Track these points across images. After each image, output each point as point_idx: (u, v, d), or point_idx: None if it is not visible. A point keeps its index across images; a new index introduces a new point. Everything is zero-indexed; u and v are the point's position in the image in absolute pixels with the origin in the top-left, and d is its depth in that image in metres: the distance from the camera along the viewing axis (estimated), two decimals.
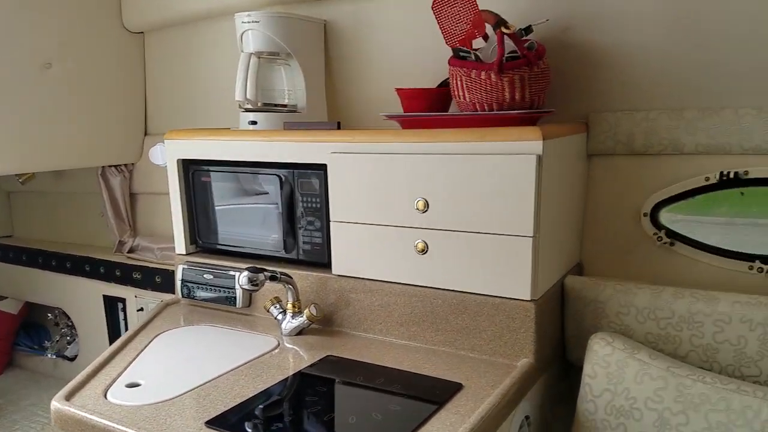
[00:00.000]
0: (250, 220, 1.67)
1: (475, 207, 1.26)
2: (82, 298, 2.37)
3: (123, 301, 2.25)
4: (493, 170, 1.22)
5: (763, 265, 1.31)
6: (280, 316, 1.52)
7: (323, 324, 1.53)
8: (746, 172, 1.31)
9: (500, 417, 1.10)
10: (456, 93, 1.35)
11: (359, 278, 1.47)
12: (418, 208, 1.34)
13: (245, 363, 1.33)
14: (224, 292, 1.67)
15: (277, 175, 1.59)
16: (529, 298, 1.24)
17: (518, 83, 1.26)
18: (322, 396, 1.17)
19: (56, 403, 1.17)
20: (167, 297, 2.11)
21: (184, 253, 1.79)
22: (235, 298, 1.65)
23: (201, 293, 1.71)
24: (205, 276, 1.70)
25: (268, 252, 1.65)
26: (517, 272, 1.24)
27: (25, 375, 2.57)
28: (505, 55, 1.28)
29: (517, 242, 1.23)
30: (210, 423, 1.07)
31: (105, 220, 2.44)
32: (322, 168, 1.50)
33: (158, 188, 2.37)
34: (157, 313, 1.69)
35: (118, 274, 2.25)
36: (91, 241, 2.63)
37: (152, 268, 2.15)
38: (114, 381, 1.25)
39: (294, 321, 1.50)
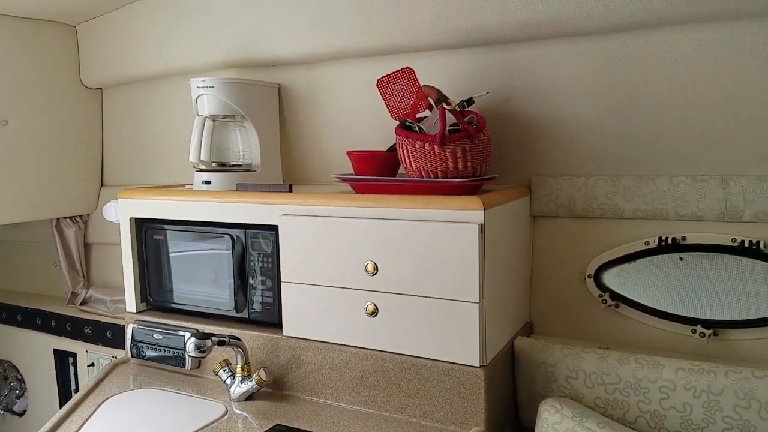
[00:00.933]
0: (202, 279, 1.65)
1: (422, 271, 1.27)
2: (32, 352, 2.30)
3: (74, 355, 2.18)
4: (438, 236, 1.24)
5: (705, 330, 1.35)
6: (229, 380, 1.49)
7: (273, 387, 1.51)
8: (683, 238, 1.36)
9: None
10: (403, 159, 1.38)
11: (310, 339, 1.46)
12: (368, 271, 1.34)
13: None
14: (173, 352, 1.64)
15: (230, 235, 1.58)
16: (478, 365, 1.25)
17: (460, 154, 1.29)
18: None
19: None
20: (118, 352, 2.07)
21: (135, 311, 1.76)
22: (184, 359, 1.62)
23: (150, 353, 1.67)
24: (154, 336, 1.67)
25: (219, 311, 1.63)
26: (464, 337, 1.25)
27: None
28: (447, 128, 1.31)
29: (463, 308, 1.24)
30: None
31: (58, 271, 2.38)
32: (273, 229, 1.51)
33: (113, 239, 2.33)
34: (106, 374, 1.64)
35: (69, 328, 2.19)
36: (43, 291, 2.56)
37: (104, 323, 2.10)
38: None
39: (243, 386, 1.47)
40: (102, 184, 2.34)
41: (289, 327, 1.48)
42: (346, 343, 1.40)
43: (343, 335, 1.40)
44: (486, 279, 1.24)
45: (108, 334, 2.08)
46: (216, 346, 1.40)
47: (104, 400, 1.48)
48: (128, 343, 1.72)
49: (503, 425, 1.38)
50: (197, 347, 1.35)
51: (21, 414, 2.41)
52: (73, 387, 2.25)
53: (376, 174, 1.47)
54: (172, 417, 1.38)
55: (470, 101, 1.33)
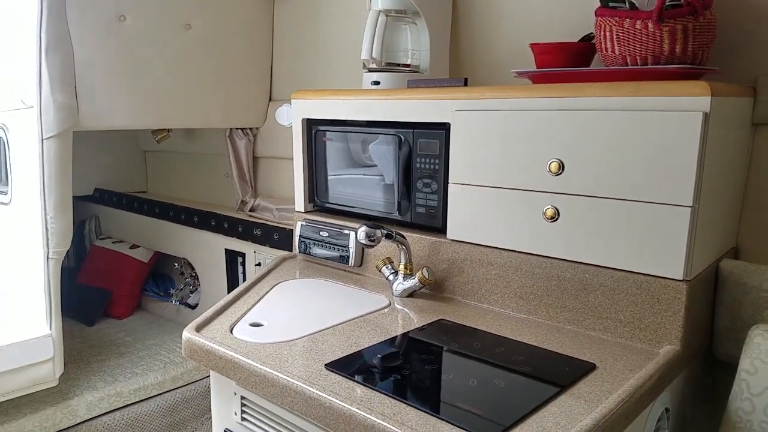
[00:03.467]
0: (366, 182, 1.65)
1: (623, 170, 1.12)
2: (205, 251, 2.51)
3: (243, 255, 2.34)
4: (649, 129, 1.08)
5: None
6: (391, 277, 1.49)
7: (434, 289, 1.48)
8: None
9: (639, 405, 0.97)
10: (602, 46, 1.21)
11: (476, 245, 1.39)
12: (550, 171, 1.23)
13: (358, 317, 1.31)
14: (338, 250, 1.67)
15: (397, 135, 1.54)
16: (681, 278, 1.09)
17: (680, 34, 1.10)
18: (438, 356, 1.11)
19: (187, 333, 1.23)
20: (284, 254, 2.18)
21: (303, 210, 1.81)
22: (348, 256, 1.64)
23: (317, 250, 1.72)
24: (321, 233, 1.71)
25: (381, 213, 1.62)
26: (669, 247, 1.09)
27: (151, 318, 2.78)
28: (666, 2, 1.12)
29: (671, 212, 1.08)
30: (329, 366, 1.06)
31: (229, 181, 2.56)
32: (443, 128, 1.44)
33: (279, 153, 2.44)
34: (276, 266, 1.72)
35: (240, 229, 2.35)
36: (215, 200, 2.78)
37: (271, 226, 2.22)
38: (239, 320, 1.30)
39: (405, 283, 1.45)
40: (270, 99, 2.44)
41: (454, 230, 1.42)
42: (516, 249, 1.31)
43: (515, 241, 1.31)
44: (702, 181, 1.06)
45: (275, 236, 2.19)
46: (383, 240, 1.38)
47: (277, 284, 1.55)
48: (296, 239, 1.78)
49: (695, 352, 1.22)
50: (368, 235, 1.34)
51: (194, 307, 2.67)
52: (241, 284, 2.43)
53: (564, 67, 1.32)
54: (340, 302, 1.41)
55: None
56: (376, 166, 1.62)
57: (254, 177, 2.56)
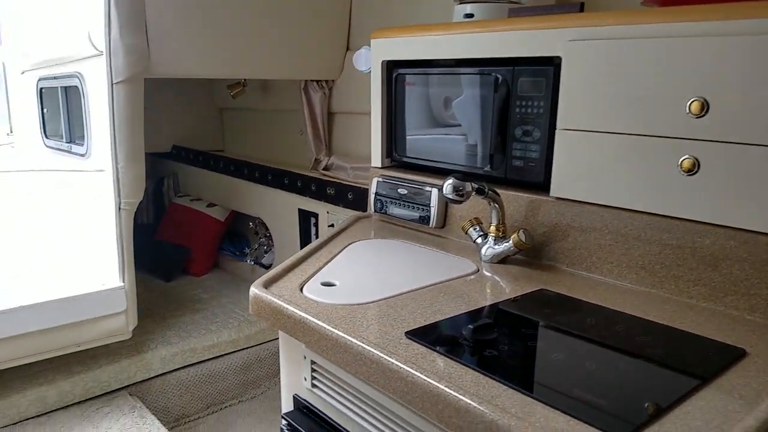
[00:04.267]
0: (454, 132, 1.45)
1: None
2: (279, 210, 2.43)
3: (316, 215, 2.23)
4: None
5: None
6: (479, 240, 1.30)
7: (530, 255, 1.28)
8: None
9: None
10: None
11: (587, 203, 1.17)
12: (690, 111, 0.98)
13: (441, 282, 1.14)
14: (418, 209, 1.50)
15: (493, 75, 1.33)
16: None
17: None
18: (541, 332, 0.92)
19: (255, 289, 1.11)
20: (358, 213, 2.04)
21: (380, 166, 1.65)
22: (429, 216, 1.47)
23: (394, 209, 1.56)
24: (399, 191, 1.55)
25: (469, 169, 1.42)
26: None
27: (226, 277, 2.76)
28: None
29: None
30: (411, 334, 0.90)
31: (304, 138, 2.44)
32: (551, 63, 1.21)
33: (355, 107, 2.29)
34: (349, 225, 1.58)
35: (313, 188, 2.23)
36: (290, 159, 2.68)
37: (345, 185, 2.09)
38: (309, 278, 1.16)
39: (497, 246, 1.26)
40: (348, 48, 2.28)
41: (560, 187, 1.21)
42: (640, 209, 1.09)
43: (638, 199, 1.08)
44: None
45: (349, 196, 2.06)
46: (474, 194, 1.19)
47: (350, 243, 1.40)
48: (371, 197, 1.63)
49: None
50: (455, 189, 1.16)
51: (267, 267, 2.61)
52: None
53: None
54: (420, 265, 1.24)
55: None
56: (459, 125, 1.42)
57: (329, 134, 2.43)
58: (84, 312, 1.61)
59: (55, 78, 2.24)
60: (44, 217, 2.10)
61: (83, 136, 2.02)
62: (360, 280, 1.15)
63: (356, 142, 2.33)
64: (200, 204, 2.85)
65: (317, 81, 2.33)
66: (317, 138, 2.42)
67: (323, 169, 2.35)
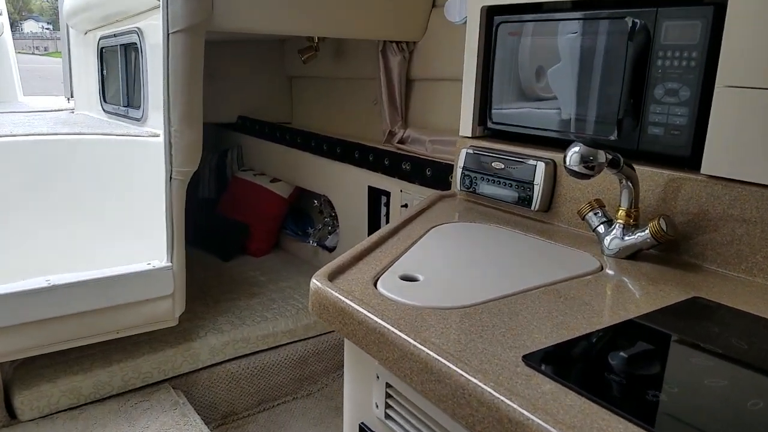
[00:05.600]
0: (569, 93, 1.16)
1: None
2: (347, 188, 2.20)
3: (387, 194, 1.99)
4: None
5: None
6: (602, 228, 1.01)
7: (666, 250, 0.98)
8: None
9: None
10: None
11: (753, 185, 0.87)
12: None
13: (556, 282, 0.87)
14: (517, 187, 1.22)
15: (627, 19, 1.03)
16: None
17: None
18: (720, 365, 0.63)
19: (317, 282, 0.87)
20: (440, 192, 1.79)
21: (470, 135, 1.38)
22: (531, 197, 1.19)
23: (486, 187, 1.29)
24: (493, 165, 1.27)
25: (590, 137, 1.13)
26: None
27: (287, 258, 2.58)
28: None
29: None
30: (530, 360, 0.64)
31: (378, 108, 2.20)
32: (710, 2, 0.91)
33: (437, 73, 2.02)
34: (429, 205, 1.32)
35: (386, 162, 1.99)
36: (362, 132, 2.46)
37: (423, 159, 1.83)
38: (384, 269, 0.91)
39: (627, 237, 0.97)
40: (434, 5, 2.01)
41: (715, 162, 0.91)
42: None
43: None
44: None
45: (427, 172, 1.80)
46: (606, 168, 0.90)
47: (432, 227, 1.15)
48: (458, 172, 1.36)
49: None
50: (584, 158, 0.87)
51: (331, 250, 2.40)
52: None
53: None
54: (526, 257, 0.97)
55: None
56: (586, 67, 1.12)
57: (406, 104, 2.18)
58: (125, 294, 1.44)
59: (114, 36, 2.11)
60: (96, 185, 1.97)
61: (140, 100, 1.87)
62: (450, 275, 0.89)
63: (437, 112, 2.07)
64: (263, 179, 2.68)
65: (397, 43, 2.07)
66: (393, 107, 2.17)
67: (398, 143, 2.10)
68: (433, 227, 1.16)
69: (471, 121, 1.38)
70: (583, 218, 1.05)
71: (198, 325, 1.79)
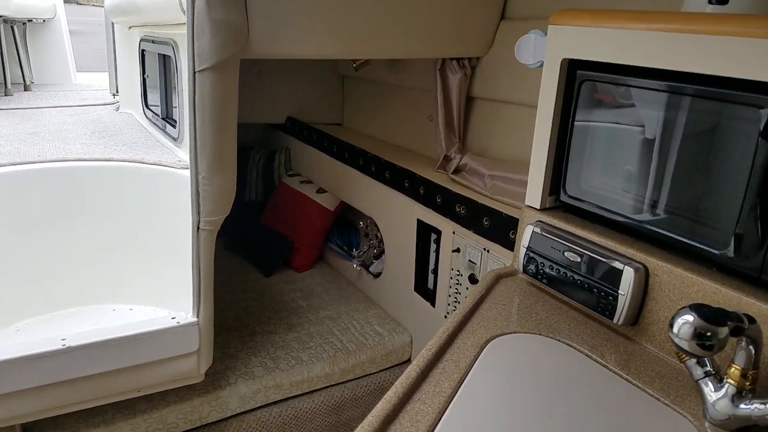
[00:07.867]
0: (670, 181, 0.92)
1: None
2: (395, 215, 2.01)
3: (438, 232, 1.79)
4: None
5: None
6: (709, 384, 0.79)
7: None
8: None
9: None
10: None
11: None
12: None
13: None
14: (595, 291, 1.00)
15: (764, 111, 0.78)
16: None
17: None
18: None
19: None
20: (493, 246, 1.57)
21: (538, 207, 1.16)
22: (613, 308, 0.97)
23: (556, 280, 1.08)
24: (566, 255, 1.05)
25: (691, 245, 0.90)
26: None
27: (330, 275, 2.44)
28: None
29: None
30: None
31: (433, 126, 1.98)
32: None
33: (503, 94, 1.77)
34: (487, 290, 1.12)
35: (438, 200, 1.78)
36: (415, 145, 2.24)
37: (481, 205, 1.60)
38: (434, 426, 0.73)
39: (740, 405, 0.75)
40: (502, 17, 1.75)
41: None
42: None
43: None
44: None
45: (485, 222, 1.58)
46: (729, 337, 0.68)
47: (488, 342, 0.95)
48: (521, 251, 1.15)
49: None
50: (699, 334, 0.65)
51: (376, 276, 2.24)
52: (431, 267, 1.90)
53: None
54: (603, 414, 0.77)
55: None
56: (676, 172, 0.88)
57: (464, 126, 1.94)
58: (147, 353, 1.33)
59: (153, 42, 1.96)
60: (124, 214, 1.85)
61: (177, 117, 1.72)
62: None
63: (499, 137, 1.83)
64: (310, 188, 2.52)
65: (458, 59, 1.83)
66: (449, 128, 1.94)
67: (453, 172, 1.88)
68: (492, 339, 0.96)
69: (540, 191, 1.15)
70: (682, 362, 0.83)
71: (229, 367, 1.68)
